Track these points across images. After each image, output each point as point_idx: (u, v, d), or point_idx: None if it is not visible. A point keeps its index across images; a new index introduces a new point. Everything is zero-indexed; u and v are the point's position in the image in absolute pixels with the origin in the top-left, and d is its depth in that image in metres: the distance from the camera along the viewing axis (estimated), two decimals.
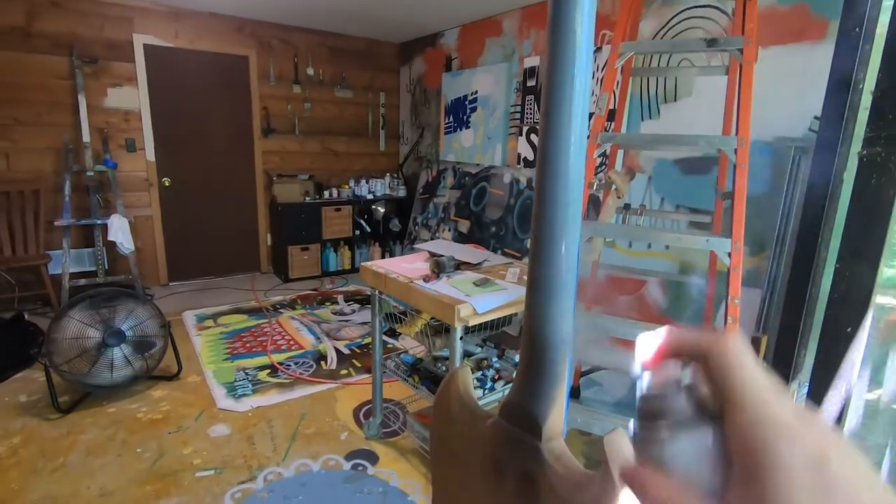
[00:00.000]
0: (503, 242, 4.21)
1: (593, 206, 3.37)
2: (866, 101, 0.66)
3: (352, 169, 5.62)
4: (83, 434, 2.34)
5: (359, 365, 3.16)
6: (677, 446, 0.24)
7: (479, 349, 2.34)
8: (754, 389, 0.21)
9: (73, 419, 2.46)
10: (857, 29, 0.62)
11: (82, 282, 3.90)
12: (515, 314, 1.93)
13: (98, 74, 4.05)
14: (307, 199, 4.98)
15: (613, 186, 2.13)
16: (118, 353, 2.58)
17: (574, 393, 2.80)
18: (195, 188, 4.68)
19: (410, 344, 3.42)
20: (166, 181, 4.51)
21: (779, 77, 2.42)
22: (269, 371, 3.02)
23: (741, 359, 0.22)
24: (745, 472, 0.20)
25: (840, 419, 0.72)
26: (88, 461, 2.15)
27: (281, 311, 4.08)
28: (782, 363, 0.77)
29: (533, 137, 4.06)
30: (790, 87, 2.39)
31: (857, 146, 0.67)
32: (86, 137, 3.92)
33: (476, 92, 4.55)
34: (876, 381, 0.97)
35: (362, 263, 2.23)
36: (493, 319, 1.87)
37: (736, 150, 1.55)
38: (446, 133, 5.01)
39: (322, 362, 3.17)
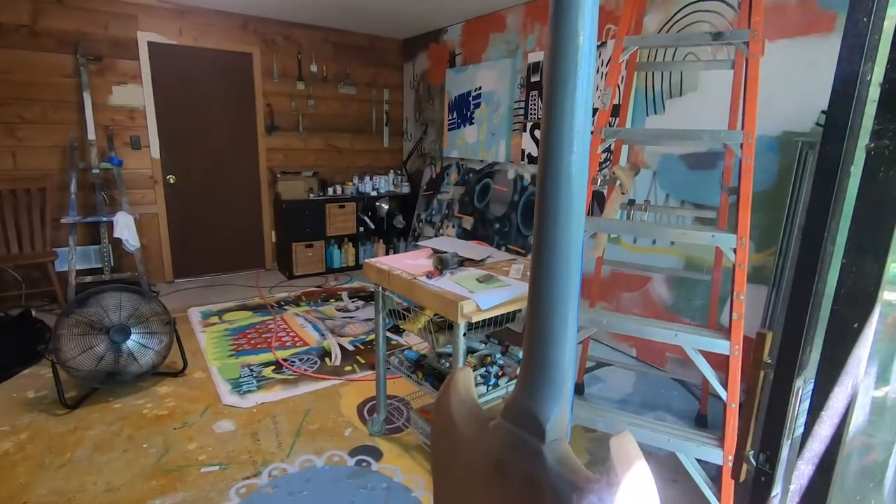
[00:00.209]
0: (507, 239, 4.20)
1: (597, 201, 3.35)
2: (874, 93, 0.64)
3: (356, 166, 5.62)
4: (90, 430, 2.36)
5: (363, 361, 3.16)
6: None
7: (483, 346, 2.33)
8: None
9: (79, 415, 2.48)
10: (864, 19, 0.61)
11: (88, 279, 3.93)
12: (519, 310, 1.93)
13: (103, 72, 4.07)
14: (311, 196, 4.99)
15: (618, 182, 2.12)
16: (124, 349, 2.60)
17: (578, 389, 2.79)
18: (200, 185, 4.69)
19: (414, 340, 3.43)
20: (171, 178, 4.53)
21: (786, 71, 2.40)
22: (273, 367, 3.04)
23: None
24: None
25: (846, 416, 0.71)
26: (95, 456, 2.17)
27: (285, 307, 4.09)
28: (787, 359, 0.77)
29: (537, 133, 4.04)
30: (797, 81, 2.36)
31: (864, 139, 0.66)
32: (91, 135, 3.94)
33: (480, 88, 4.54)
34: (883, 378, 0.96)
35: (366, 260, 2.23)
36: (497, 316, 1.87)
37: (742, 145, 1.54)
38: (450, 129, 5.00)
39: (326, 359, 3.18)
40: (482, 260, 2.20)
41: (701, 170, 2.83)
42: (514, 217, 4.16)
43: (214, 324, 3.70)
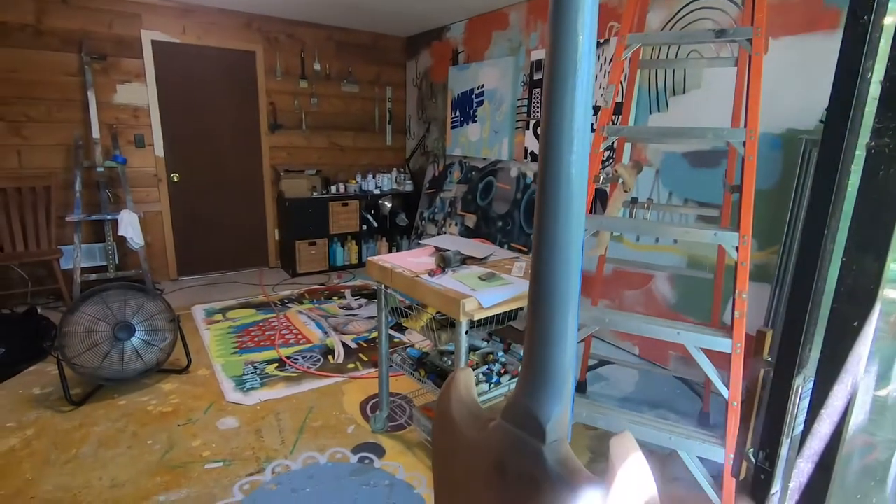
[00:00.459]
0: (510, 237, 4.20)
1: (600, 199, 3.35)
2: (875, 91, 0.64)
3: (359, 164, 5.62)
4: (95, 426, 2.38)
5: (365, 359, 3.17)
6: None
7: (485, 343, 2.34)
8: None
9: (85, 411, 2.50)
10: (865, 17, 0.61)
11: (93, 276, 3.95)
12: (521, 308, 1.93)
13: (107, 71, 4.09)
14: (314, 194, 5.00)
15: (620, 180, 2.11)
16: (129, 346, 2.62)
17: (580, 387, 2.80)
18: (203, 184, 4.71)
19: (416, 338, 3.44)
20: (175, 177, 4.55)
21: (790, 68, 2.39)
22: (276, 365, 3.05)
23: None
24: None
25: (846, 414, 0.71)
26: (100, 453, 2.19)
27: (289, 305, 4.11)
28: (787, 357, 0.77)
29: (539, 132, 4.03)
30: (801, 79, 2.35)
31: (864, 137, 0.66)
32: (95, 133, 3.96)
33: (483, 86, 4.53)
34: (885, 377, 0.96)
35: (369, 258, 2.24)
36: (499, 314, 1.87)
37: (744, 143, 1.53)
38: (453, 127, 5.00)
39: (329, 356, 3.20)
40: (485, 258, 2.20)
41: (704, 168, 2.82)
42: (516, 215, 4.16)
43: (218, 321, 3.71)
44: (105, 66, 4.07)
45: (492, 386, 2.03)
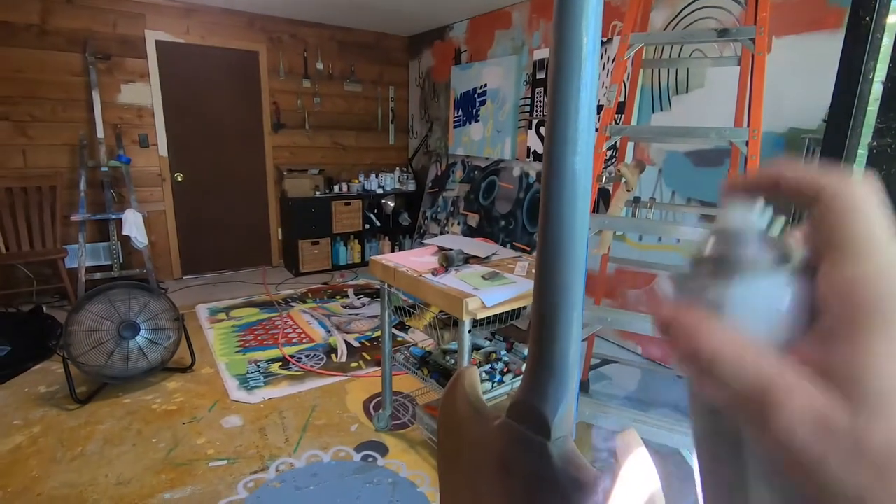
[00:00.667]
0: (512, 236, 4.20)
1: (603, 199, 3.35)
2: (877, 91, 0.65)
3: (361, 163, 5.63)
4: (100, 424, 2.40)
5: (368, 358, 3.18)
6: (742, 291, 0.19)
7: (488, 342, 2.35)
8: (883, 244, 0.17)
9: (90, 409, 2.52)
10: (867, 18, 0.61)
11: (98, 275, 3.97)
12: (524, 308, 1.94)
13: (111, 71, 4.11)
14: (317, 193, 5.01)
15: (623, 179, 2.12)
16: (133, 345, 2.63)
17: (583, 387, 2.80)
18: (207, 183, 4.73)
19: (420, 337, 3.44)
20: (178, 176, 4.56)
21: (793, 67, 2.38)
22: (280, 363, 3.06)
23: (865, 206, 0.17)
24: (843, 325, 0.16)
25: None
26: (106, 450, 2.21)
27: (292, 304, 4.12)
28: None
29: (542, 131, 4.04)
30: (805, 78, 2.35)
31: (867, 137, 0.67)
32: (100, 133, 3.98)
33: (485, 85, 4.53)
34: None
35: (372, 257, 2.24)
36: (502, 313, 1.87)
37: (747, 142, 1.54)
38: (455, 127, 5.00)
39: (332, 355, 3.21)
40: (487, 257, 2.21)
41: (707, 167, 2.82)
42: (519, 214, 4.16)
43: (222, 320, 3.73)
44: (109, 66, 4.08)
45: (495, 385, 2.03)
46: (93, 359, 2.52)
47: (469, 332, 1.78)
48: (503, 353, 2.22)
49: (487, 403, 0.46)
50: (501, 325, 2.00)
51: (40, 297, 3.97)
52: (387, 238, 5.53)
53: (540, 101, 4.02)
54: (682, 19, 2.89)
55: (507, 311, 1.90)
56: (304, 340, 3.42)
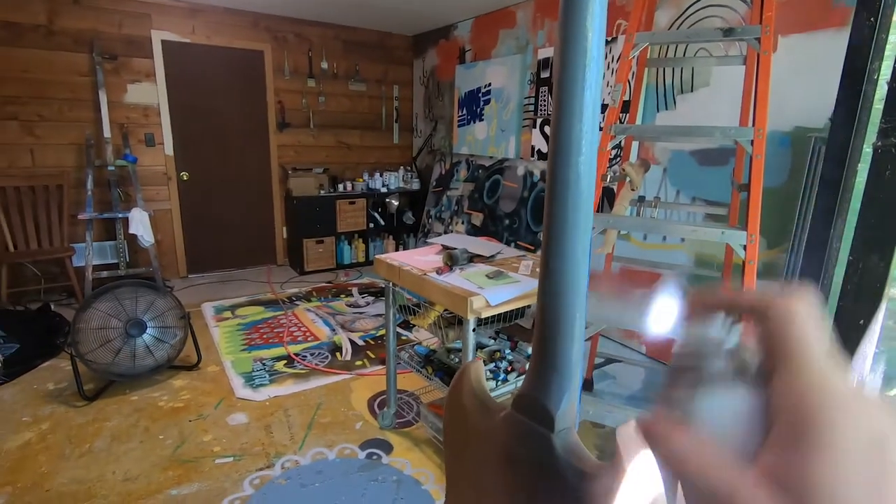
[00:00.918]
0: (516, 235, 4.20)
1: (607, 198, 3.35)
2: (881, 91, 0.65)
3: (366, 162, 5.65)
4: (108, 421, 2.42)
5: (373, 356, 3.20)
6: (709, 402, 0.22)
7: (492, 341, 2.35)
8: (817, 355, 0.19)
9: (98, 406, 2.54)
10: (871, 19, 0.61)
11: (105, 274, 4.00)
12: (528, 306, 1.94)
13: (118, 70, 4.13)
14: (322, 192, 5.03)
15: (627, 178, 2.12)
16: (140, 343, 2.65)
17: (587, 385, 2.80)
18: (212, 182, 4.75)
19: (424, 336, 3.45)
20: (184, 175, 4.59)
21: (799, 66, 2.37)
22: (285, 362, 3.08)
23: (806, 322, 0.20)
24: (790, 435, 0.18)
25: None
26: (113, 447, 2.23)
27: (297, 302, 4.14)
28: None
29: (547, 129, 4.03)
30: (810, 76, 2.34)
31: (871, 137, 0.67)
32: (107, 133, 4.01)
33: (490, 84, 4.53)
34: (894, 378, 0.96)
35: (376, 256, 2.25)
36: (506, 311, 1.88)
37: (752, 141, 1.53)
38: (460, 126, 5.00)
39: (337, 353, 3.22)
40: (492, 256, 2.21)
41: (712, 166, 2.81)
42: (523, 213, 4.16)
43: (227, 318, 3.75)
44: (116, 66, 4.11)
45: (499, 383, 2.04)
46: (100, 356, 2.54)
47: (473, 330, 1.79)
48: (507, 351, 2.22)
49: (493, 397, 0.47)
50: (506, 324, 2.00)
51: (48, 295, 4.01)
52: (391, 237, 5.54)
53: (544, 101, 4.02)
54: (687, 18, 2.88)
55: (512, 310, 1.90)
56: (309, 339, 3.44)
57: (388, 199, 5.41)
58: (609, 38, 3.38)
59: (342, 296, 4.36)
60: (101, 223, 4.19)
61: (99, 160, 4.03)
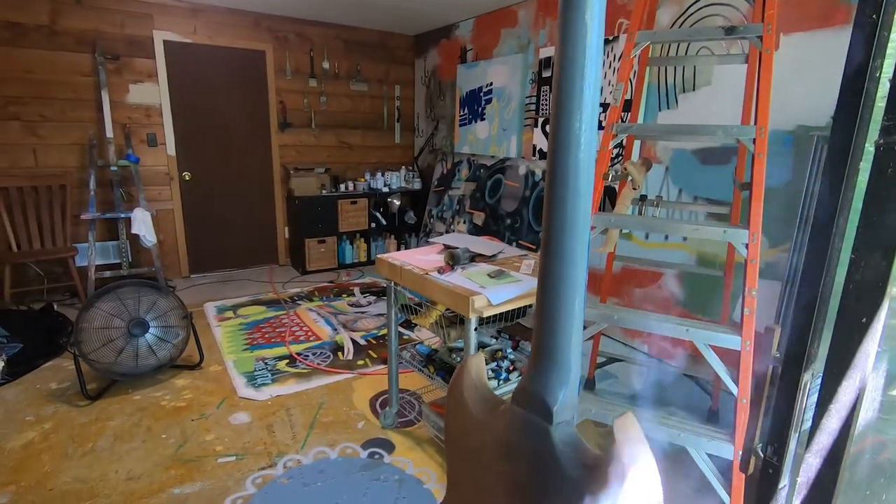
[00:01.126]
0: (518, 234, 4.20)
1: (609, 197, 3.34)
2: (884, 89, 0.65)
3: (367, 162, 5.65)
4: (110, 420, 2.43)
5: (375, 356, 3.20)
6: None
7: (494, 340, 2.35)
8: None
9: (100, 406, 2.55)
10: (874, 16, 0.61)
11: (107, 274, 4.01)
12: (530, 306, 1.94)
13: (120, 71, 4.14)
14: (323, 192, 5.03)
15: (629, 177, 2.11)
16: (143, 342, 2.66)
17: (589, 385, 2.80)
18: (214, 182, 4.76)
19: (426, 335, 3.46)
20: (186, 175, 4.60)
21: (801, 64, 2.37)
22: (287, 361, 3.08)
23: None
24: None
25: (854, 410, 0.72)
26: (116, 446, 2.24)
27: (299, 302, 4.15)
28: (795, 353, 0.77)
29: (548, 129, 4.03)
30: (813, 75, 2.33)
31: (873, 135, 0.67)
32: (109, 133, 4.02)
33: (491, 83, 4.53)
34: (895, 374, 0.95)
35: (378, 256, 2.25)
36: (508, 311, 1.88)
37: (755, 140, 1.53)
38: (461, 125, 5.00)
39: (339, 353, 3.23)
40: (493, 255, 2.21)
41: (714, 165, 2.81)
42: (525, 213, 4.16)
43: (229, 318, 3.76)
44: (118, 66, 4.12)
45: (501, 383, 2.04)
46: (103, 356, 2.55)
47: (475, 329, 1.79)
48: (509, 350, 2.23)
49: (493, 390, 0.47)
50: (507, 323, 2.00)
51: (51, 294, 4.02)
52: (393, 236, 5.54)
53: (546, 100, 4.01)
54: (688, 17, 2.88)
55: (513, 309, 1.90)
56: (311, 338, 3.44)
57: (389, 199, 5.41)
58: (610, 37, 3.37)
59: (344, 295, 4.36)
60: (104, 223, 4.21)
61: (101, 160, 4.04)
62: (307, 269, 4.96)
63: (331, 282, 4.77)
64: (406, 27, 5.30)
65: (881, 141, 0.63)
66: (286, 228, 5.25)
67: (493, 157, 4.62)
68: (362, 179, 5.37)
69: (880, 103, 0.68)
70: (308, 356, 3.16)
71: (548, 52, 3.96)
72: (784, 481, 0.85)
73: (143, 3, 4.15)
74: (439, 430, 2.27)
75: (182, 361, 2.92)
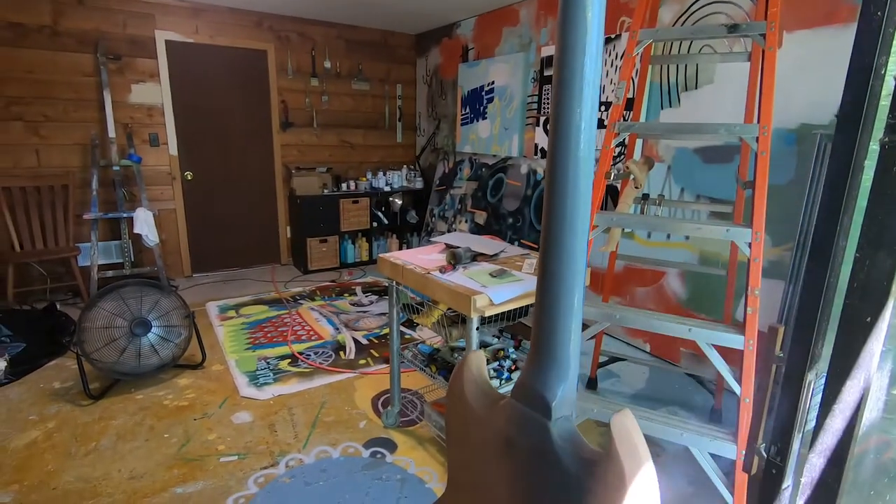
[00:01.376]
0: (520, 233, 4.20)
1: (611, 196, 3.34)
2: (889, 87, 0.64)
3: (369, 161, 5.65)
4: (113, 420, 2.43)
5: (377, 355, 3.20)
6: None
7: (496, 340, 2.35)
8: None
9: (103, 405, 2.55)
10: (879, 13, 0.61)
11: (110, 273, 4.02)
12: (532, 305, 1.94)
13: (122, 71, 4.15)
14: (325, 191, 5.03)
15: (631, 176, 2.11)
16: (145, 342, 2.67)
17: (591, 384, 2.80)
18: (216, 182, 4.77)
19: (428, 334, 3.46)
20: (188, 175, 4.60)
21: (805, 62, 2.36)
22: (289, 360, 3.09)
23: None
24: None
25: (858, 410, 0.71)
26: (119, 445, 2.24)
27: (301, 301, 4.15)
28: (799, 353, 0.77)
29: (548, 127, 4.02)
30: (816, 73, 2.32)
31: (878, 133, 0.66)
32: (111, 133, 4.03)
33: (493, 82, 4.53)
34: None
35: (380, 255, 2.25)
36: (510, 310, 1.88)
37: (757, 139, 1.52)
38: (463, 124, 5.00)
39: (341, 352, 3.23)
40: (495, 255, 2.21)
41: (716, 163, 2.80)
42: (526, 212, 4.16)
43: (231, 318, 3.77)
44: (120, 66, 4.13)
45: (503, 382, 2.04)
46: (106, 355, 2.56)
47: (477, 329, 1.79)
48: (511, 350, 2.22)
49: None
50: (509, 323, 2.00)
51: (54, 294, 4.03)
52: (394, 236, 5.54)
53: (548, 99, 4.01)
54: (691, 15, 2.87)
55: (515, 309, 1.90)
56: (313, 337, 3.45)
57: (391, 198, 5.41)
58: (613, 36, 3.36)
59: (346, 295, 4.37)
60: (106, 223, 4.21)
61: (104, 160, 4.05)
62: (309, 269, 4.97)
63: (333, 281, 4.77)
64: (407, 26, 5.30)
65: (886, 139, 0.63)
66: (288, 228, 5.26)
67: (494, 156, 4.61)
68: (364, 179, 5.38)
69: (885, 101, 0.68)
70: (310, 355, 3.16)
71: (549, 50, 3.95)
72: (787, 481, 0.85)
73: (144, 3, 4.15)
74: (441, 429, 2.27)
75: (184, 361, 2.93)
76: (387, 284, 2.25)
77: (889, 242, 0.63)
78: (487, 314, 1.77)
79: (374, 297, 4.29)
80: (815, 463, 0.76)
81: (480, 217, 4.66)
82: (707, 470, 1.64)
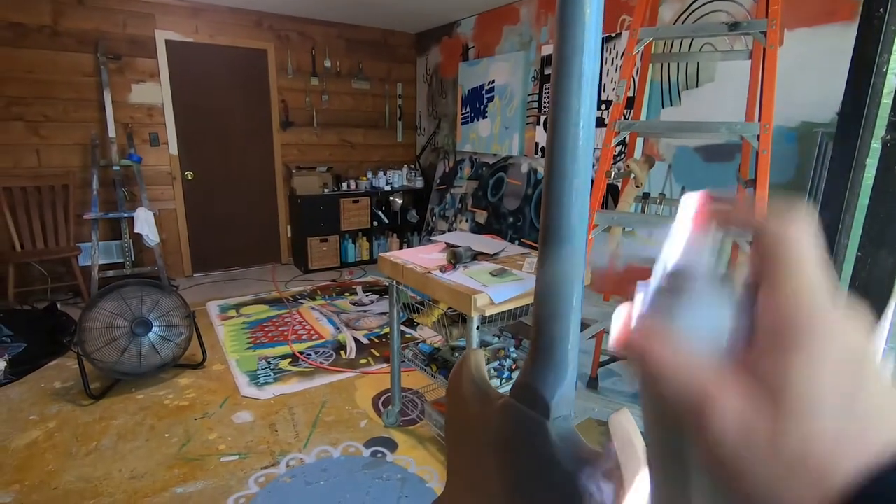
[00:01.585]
0: (521, 232, 4.19)
1: (612, 195, 3.33)
2: (890, 85, 0.64)
3: (369, 160, 5.65)
4: (114, 419, 2.43)
5: (377, 354, 3.20)
6: (693, 315, 0.22)
7: (497, 339, 2.35)
8: (807, 272, 0.19)
9: (104, 405, 2.55)
10: (881, 10, 0.60)
11: (110, 273, 4.02)
12: (532, 304, 1.94)
13: (122, 70, 4.15)
14: (326, 191, 5.03)
15: (632, 175, 2.10)
16: (146, 341, 2.67)
17: (592, 383, 2.79)
18: (217, 181, 4.77)
19: (428, 334, 3.45)
20: (189, 174, 4.60)
21: (805, 60, 2.35)
22: (290, 360, 3.09)
23: (800, 240, 0.20)
24: (772, 339, 0.19)
25: None
26: (119, 445, 2.24)
27: (301, 301, 4.15)
28: None
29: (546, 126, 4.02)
30: (817, 71, 2.32)
31: (880, 131, 0.66)
32: (111, 133, 4.02)
33: (493, 81, 4.52)
34: None
35: (381, 254, 2.25)
36: (510, 309, 1.87)
37: (758, 137, 1.52)
38: (463, 123, 4.99)
39: (342, 352, 3.23)
40: (495, 254, 2.21)
41: (717, 162, 2.79)
42: (527, 211, 4.15)
43: (232, 317, 3.77)
44: (120, 66, 4.12)
45: (503, 381, 2.04)
46: (106, 355, 2.56)
47: (477, 328, 1.79)
48: (511, 349, 2.22)
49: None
50: (510, 322, 2.00)
51: (54, 294, 4.03)
52: (395, 235, 5.54)
53: (548, 97, 4.00)
54: (691, 13, 2.86)
55: (516, 308, 1.90)
56: (314, 337, 3.45)
57: (391, 198, 5.40)
58: (613, 34, 3.36)
59: (346, 294, 4.37)
60: (107, 223, 4.21)
61: (104, 160, 4.05)
62: (309, 268, 4.96)
63: (333, 280, 4.77)
64: (407, 25, 5.29)
65: (888, 137, 0.63)
66: (288, 227, 5.25)
67: (495, 155, 4.61)
68: (364, 178, 5.37)
69: (886, 99, 0.67)
70: (311, 355, 3.16)
71: (550, 49, 3.95)
72: None
73: (144, 3, 4.15)
74: (442, 428, 2.27)
75: (185, 360, 2.93)
76: (387, 284, 2.25)
77: (891, 241, 0.63)
78: (488, 313, 1.77)
79: (374, 297, 4.29)
80: None
81: (481, 216, 4.66)
82: None
